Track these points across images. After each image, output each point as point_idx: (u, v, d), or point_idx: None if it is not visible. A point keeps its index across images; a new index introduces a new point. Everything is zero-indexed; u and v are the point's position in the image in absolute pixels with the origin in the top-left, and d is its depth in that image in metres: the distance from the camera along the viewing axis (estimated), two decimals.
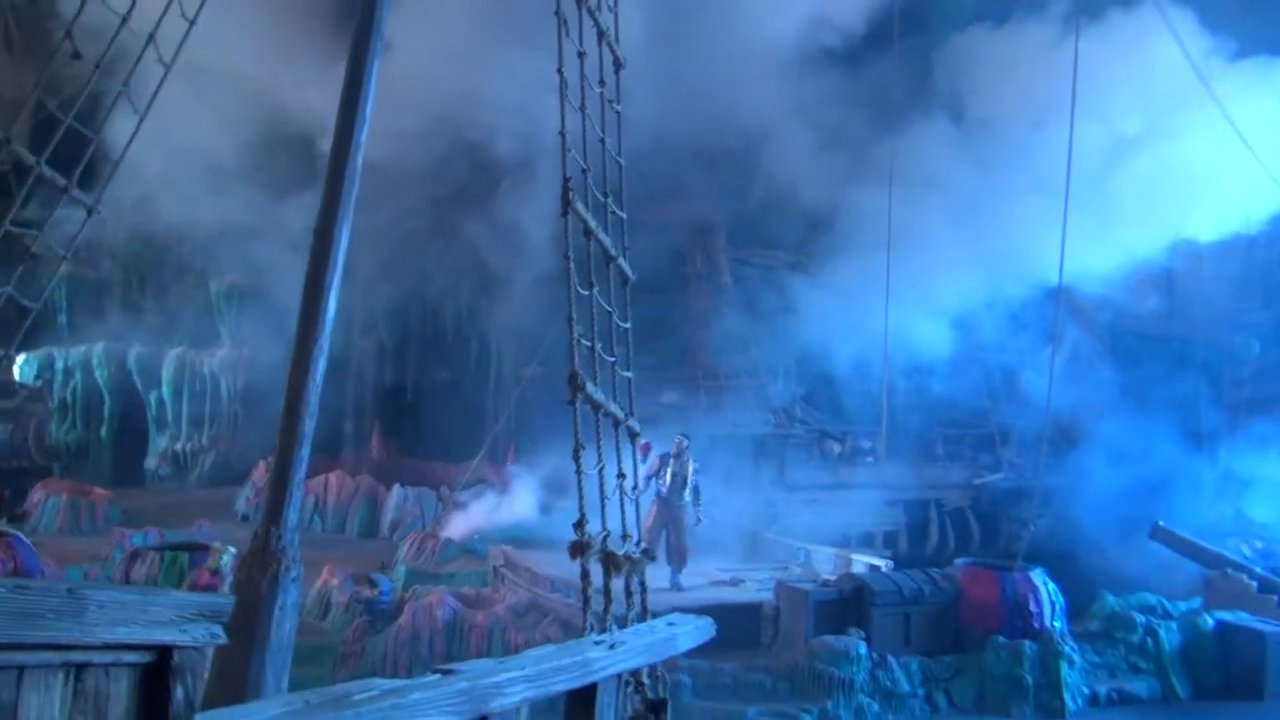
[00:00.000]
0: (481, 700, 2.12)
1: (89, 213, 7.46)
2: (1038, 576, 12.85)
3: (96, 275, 26.46)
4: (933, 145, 20.60)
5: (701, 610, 10.84)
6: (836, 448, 22.21)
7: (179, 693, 1.64)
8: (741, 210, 25.35)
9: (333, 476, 20.89)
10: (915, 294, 20.78)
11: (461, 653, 12.00)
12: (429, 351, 25.61)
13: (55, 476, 21.56)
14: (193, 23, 7.45)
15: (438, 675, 2.11)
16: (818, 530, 18.19)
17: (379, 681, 1.99)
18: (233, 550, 12.35)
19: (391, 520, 19.86)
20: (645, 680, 3.93)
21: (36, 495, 19.78)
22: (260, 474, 21.91)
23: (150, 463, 24.86)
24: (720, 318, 24.18)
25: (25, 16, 32.46)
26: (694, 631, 3.86)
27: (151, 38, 7.13)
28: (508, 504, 17.83)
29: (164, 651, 1.63)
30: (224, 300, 26.11)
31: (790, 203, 23.79)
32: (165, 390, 24.80)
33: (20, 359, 24.57)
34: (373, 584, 13.16)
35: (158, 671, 1.63)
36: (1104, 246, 18.48)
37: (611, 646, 3.04)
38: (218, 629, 1.75)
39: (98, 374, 24.85)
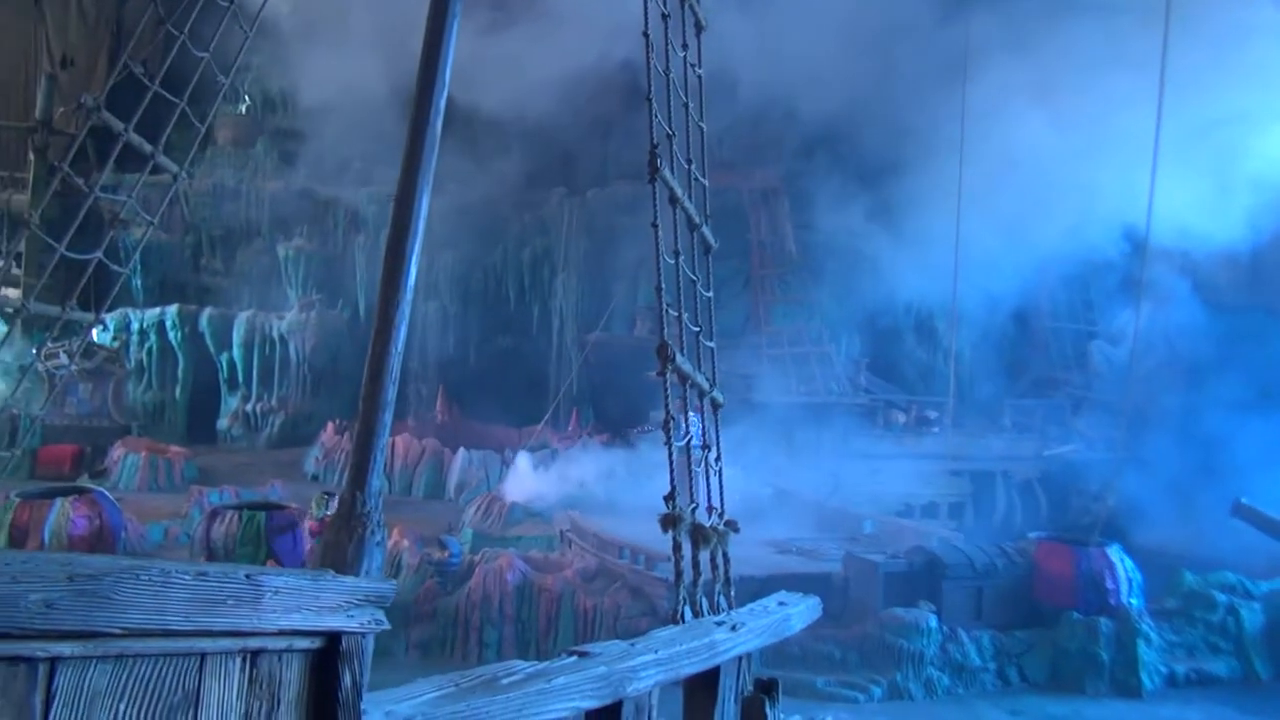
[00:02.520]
0: (619, 684, 2.09)
1: (175, 179, 7.56)
2: (1114, 552, 12.56)
3: (169, 238, 27.08)
4: (1008, 92, 19.84)
5: (769, 580, 10.84)
6: (901, 417, 21.92)
7: (347, 678, 1.63)
8: (805, 175, 24.98)
9: (399, 439, 21.18)
10: (986, 257, 20.31)
11: (532, 616, 12.14)
12: (492, 316, 25.81)
13: (133, 435, 22.18)
14: None
15: (574, 658, 2.09)
16: (882, 500, 18.03)
17: (520, 664, 1.97)
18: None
19: (457, 483, 20.11)
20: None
21: (116, 453, 20.40)
22: (329, 435, 22.34)
23: (222, 422, 25.50)
24: (784, 285, 23.95)
25: None
26: (806, 611, 3.80)
27: (232, 3, 7.16)
28: (573, 469, 17.89)
29: (333, 637, 1.62)
30: (292, 263, 26.57)
31: (856, 166, 23.38)
32: (236, 352, 25.35)
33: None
34: (442, 546, 13.34)
35: (327, 657, 1.62)
36: (1195, 203, 17.62)
37: (733, 628, 3.00)
38: (381, 615, 1.73)
39: (171, 335, 25.46)
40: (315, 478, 21.21)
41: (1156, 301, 21.63)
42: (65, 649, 1.29)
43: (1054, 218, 19.31)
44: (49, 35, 32.70)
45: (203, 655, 1.45)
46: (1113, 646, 11.79)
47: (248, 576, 1.49)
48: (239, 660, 1.51)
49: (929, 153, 20.40)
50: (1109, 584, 12.24)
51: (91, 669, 1.33)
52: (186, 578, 1.41)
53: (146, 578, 1.36)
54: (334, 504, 12.75)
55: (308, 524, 12.91)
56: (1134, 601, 12.37)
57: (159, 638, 1.38)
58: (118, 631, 1.33)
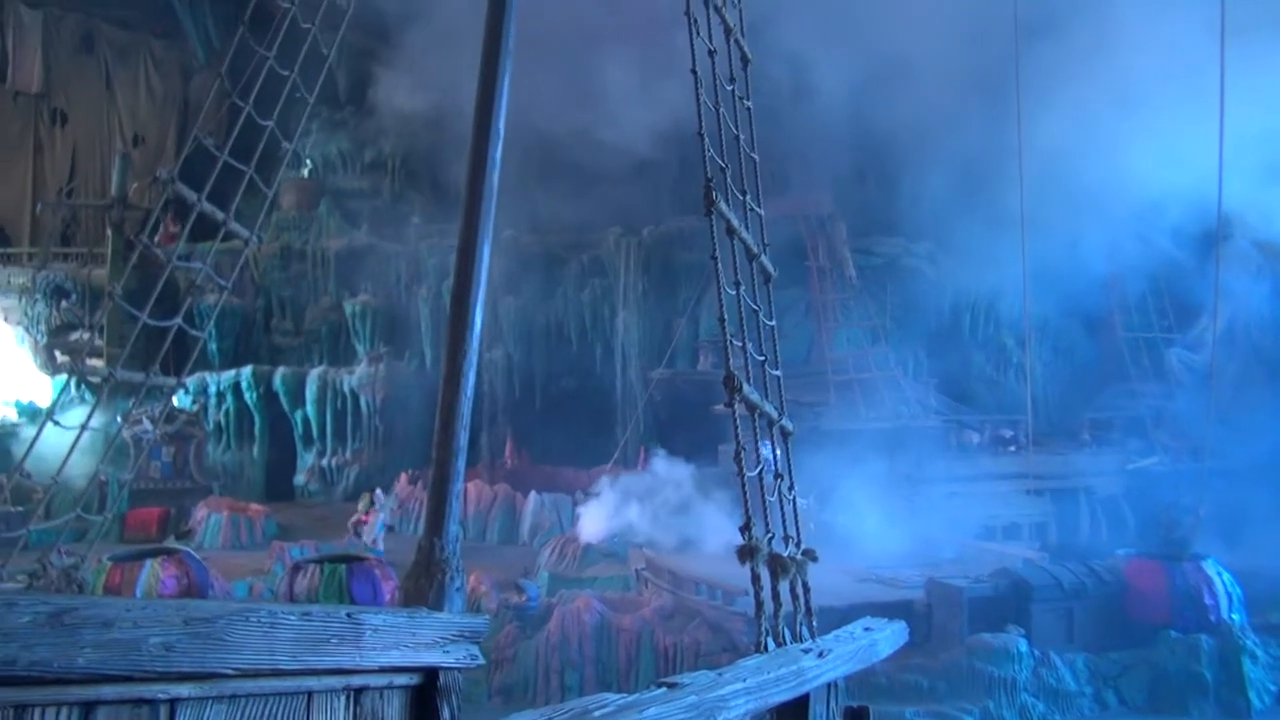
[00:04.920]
0: (709, 713, 2.09)
1: (246, 244, 7.84)
2: (1211, 566, 12.11)
3: (241, 302, 27.95)
4: (1063, 100, 19.44)
5: (850, 609, 10.67)
6: (975, 437, 21.50)
7: (445, 713, 1.67)
8: (862, 198, 24.86)
9: (471, 486, 21.37)
10: (1053, 270, 19.91)
11: (611, 657, 12.10)
12: (555, 360, 26.04)
13: (215, 495, 22.74)
14: (328, 56, 7.76)
15: (664, 689, 2.09)
16: (959, 524, 17.64)
17: (611, 696, 1.98)
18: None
19: (530, 526, 20.22)
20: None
21: (200, 513, 20.91)
22: (402, 486, 22.65)
23: (300, 478, 26.02)
24: (845, 310, 23.77)
25: (162, 64, 34.67)
26: (892, 636, 3.75)
27: (295, 72, 7.44)
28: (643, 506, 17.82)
29: (430, 673, 1.65)
30: (359, 319, 27.20)
31: (912, 186, 23.19)
32: (310, 408, 25.91)
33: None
34: (520, 590, 13.41)
35: (425, 692, 1.66)
36: (1271, 200, 16.99)
37: (820, 655, 2.97)
38: (476, 650, 1.77)
39: (247, 396, 26.15)
40: (391, 528, 21.48)
41: (1235, 305, 20.99)
42: (184, 690, 1.35)
43: (1122, 225, 18.87)
44: (121, 116, 34.30)
45: (309, 694, 1.50)
46: (1216, 665, 11.33)
47: (349, 615, 1.54)
48: (343, 698, 1.55)
49: (988, 168, 20.16)
50: (1207, 599, 11.80)
51: (208, 709, 1.39)
52: (292, 618, 1.46)
53: (256, 619, 1.41)
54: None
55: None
56: (1235, 617, 11.90)
57: (269, 677, 1.43)
58: (231, 672, 1.38)
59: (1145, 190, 18.47)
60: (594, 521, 17.49)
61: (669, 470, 17.87)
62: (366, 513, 17.01)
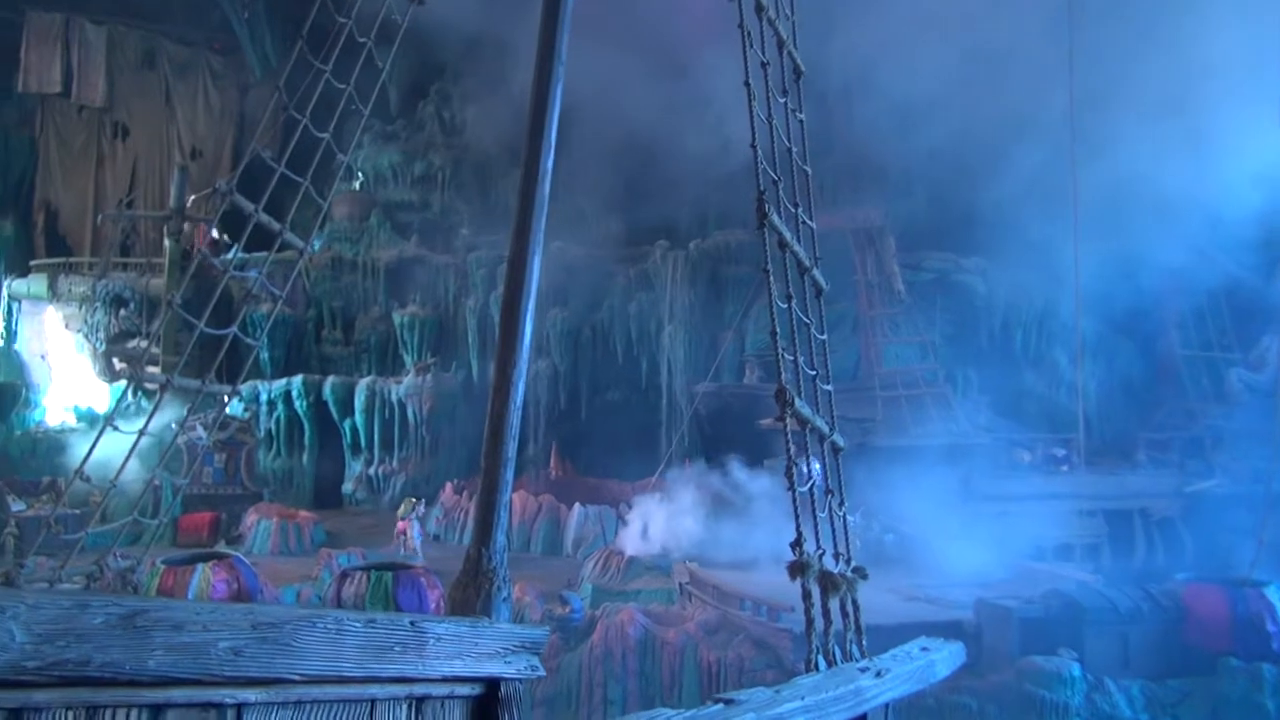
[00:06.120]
0: None
1: (300, 254, 7.96)
2: (1273, 593, 11.73)
3: (292, 312, 28.41)
4: (1117, 109, 19.07)
5: (899, 628, 10.50)
6: (1026, 456, 21.09)
7: None
8: (910, 211, 24.61)
9: (516, 496, 21.46)
10: (1107, 286, 19.52)
11: (655, 670, 12.04)
12: (601, 371, 26.09)
13: (265, 501, 23.08)
14: (383, 70, 7.86)
15: (721, 705, 2.06)
16: (1010, 543, 17.30)
17: (666, 712, 1.95)
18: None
19: (574, 538, 20.24)
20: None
21: (250, 519, 21.24)
22: (448, 495, 22.81)
23: (347, 486, 26.33)
24: (894, 325, 23.52)
25: (220, 79, 35.47)
26: (950, 657, 3.67)
27: (350, 85, 7.55)
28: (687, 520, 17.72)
29: (492, 684, 1.63)
30: (407, 329, 27.50)
31: (963, 200, 22.91)
32: (358, 418, 26.22)
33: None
34: (564, 602, 13.40)
35: (487, 703, 1.64)
36: None
37: (878, 674, 2.91)
38: (536, 661, 1.75)
39: (298, 404, 26.53)
40: (437, 537, 21.64)
41: None
42: (251, 695, 1.35)
43: (1181, 239, 18.46)
44: (180, 130, 35.15)
45: (373, 702, 1.49)
46: (1279, 695, 10.96)
47: (412, 624, 1.52)
48: (405, 707, 1.54)
49: (1041, 180, 19.86)
50: (1270, 626, 11.43)
51: (273, 715, 1.38)
52: (357, 625, 1.45)
53: (323, 626, 1.41)
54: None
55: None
56: None
57: (334, 684, 1.43)
58: (297, 678, 1.38)
59: (1206, 204, 18.07)
60: (656, 528, 16.99)
61: (750, 480, 17.08)
62: (405, 519, 17.59)
